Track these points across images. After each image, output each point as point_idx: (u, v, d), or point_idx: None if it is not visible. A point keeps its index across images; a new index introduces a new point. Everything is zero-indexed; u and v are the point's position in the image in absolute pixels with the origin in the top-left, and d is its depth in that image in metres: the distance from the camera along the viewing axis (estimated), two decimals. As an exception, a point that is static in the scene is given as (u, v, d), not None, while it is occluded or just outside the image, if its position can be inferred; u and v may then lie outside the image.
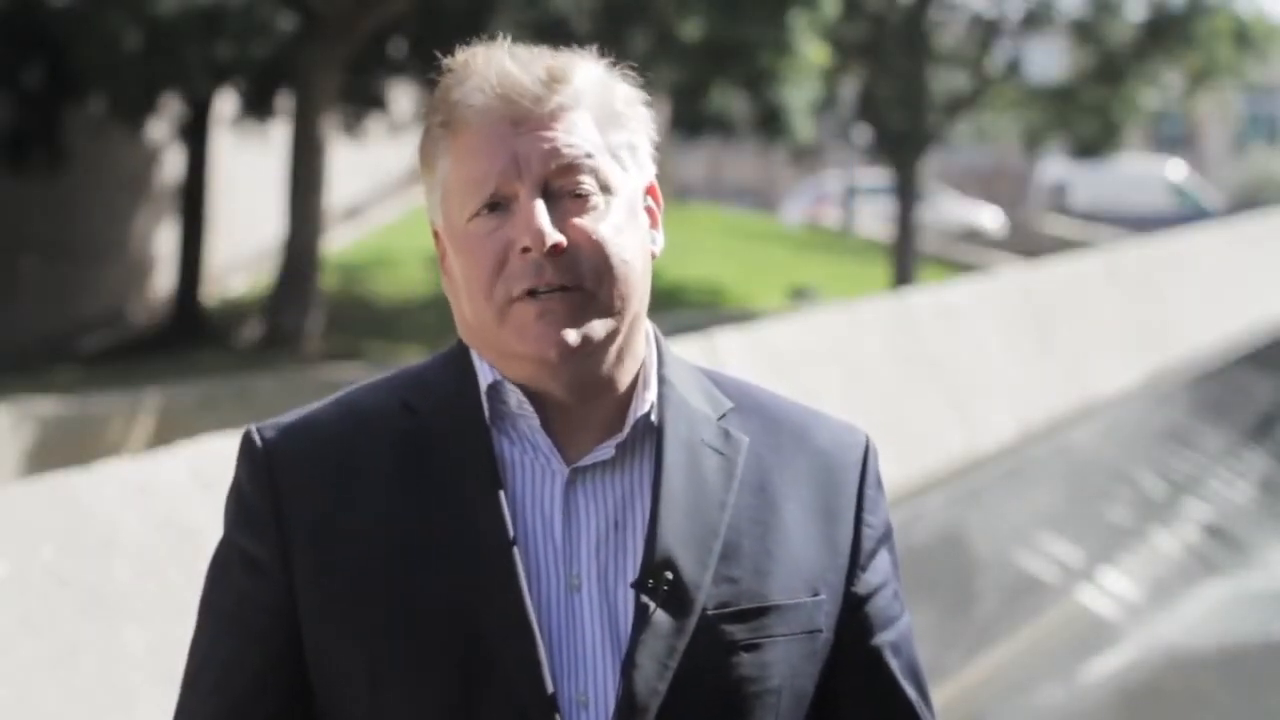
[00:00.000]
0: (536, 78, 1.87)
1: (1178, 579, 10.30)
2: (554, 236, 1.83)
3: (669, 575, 1.84)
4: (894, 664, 1.96)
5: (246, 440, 1.92)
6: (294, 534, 1.88)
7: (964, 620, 8.29)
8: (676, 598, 1.84)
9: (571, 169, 1.86)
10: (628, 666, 1.83)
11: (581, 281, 1.84)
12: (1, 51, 19.79)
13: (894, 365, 8.06)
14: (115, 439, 14.79)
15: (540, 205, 1.84)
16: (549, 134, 1.86)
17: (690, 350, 6.26)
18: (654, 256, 1.93)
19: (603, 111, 1.89)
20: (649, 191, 1.94)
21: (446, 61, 1.91)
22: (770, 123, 23.34)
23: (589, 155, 1.87)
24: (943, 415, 8.15)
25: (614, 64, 1.94)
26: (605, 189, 1.87)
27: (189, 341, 20.80)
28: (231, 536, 1.92)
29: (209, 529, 3.81)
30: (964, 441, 8.19)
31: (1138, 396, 11.01)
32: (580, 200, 1.86)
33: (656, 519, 1.86)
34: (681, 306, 22.64)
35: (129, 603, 3.81)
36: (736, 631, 1.86)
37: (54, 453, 13.45)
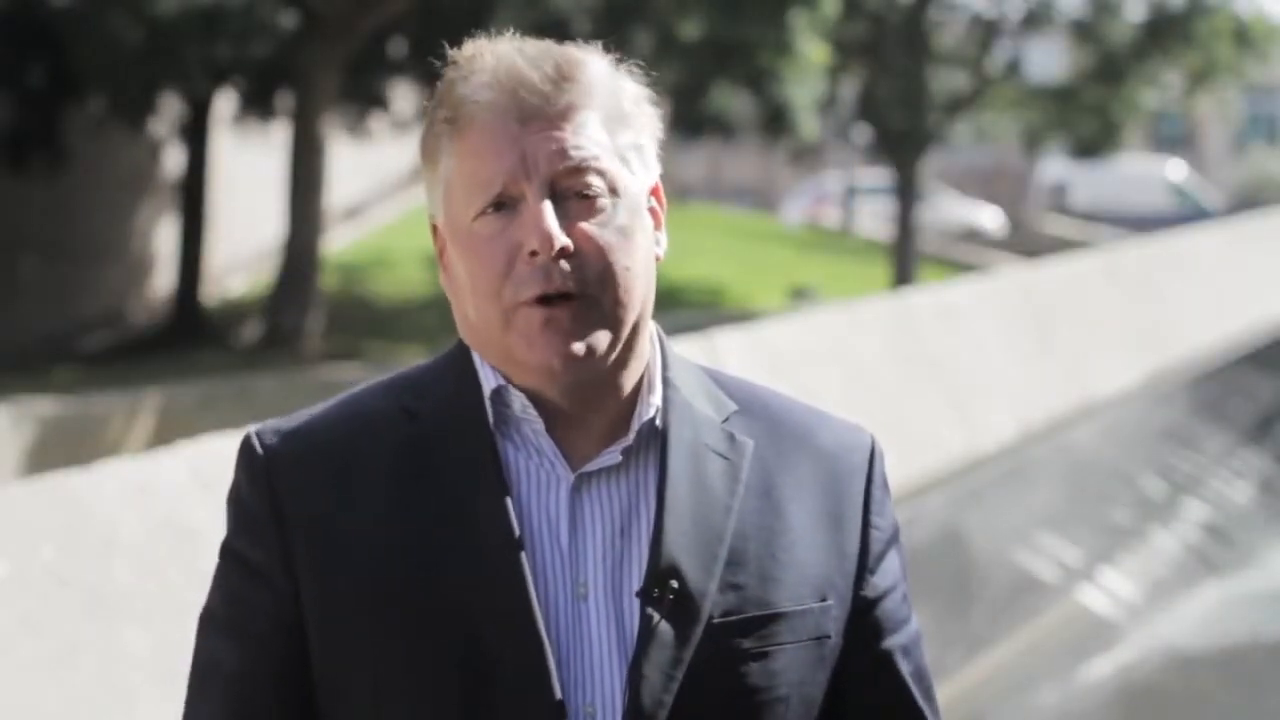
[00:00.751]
0: (545, 75, 1.83)
1: (1178, 579, 10.28)
2: (562, 240, 1.80)
3: (674, 584, 1.82)
4: (904, 667, 1.93)
5: (245, 444, 1.91)
6: (294, 536, 1.86)
7: (964, 620, 8.28)
8: (682, 606, 1.81)
9: (579, 170, 1.82)
10: (634, 677, 1.80)
11: (586, 288, 1.81)
12: (2, 51, 19.80)
13: (894, 365, 8.06)
14: (115, 439, 14.78)
15: (548, 207, 1.81)
16: (557, 134, 1.82)
17: (690, 350, 6.24)
18: (658, 259, 1.90)
19: (611, 111, 1.86)
20: (653, 192, 1.91)
21: (452, 54, 1.88)
22: (775, 121, 23.32)
23: (597, 157, 1.83)
24: (943, 415, 8.14)
25: (619, 61, 1.90)
26: (612, 191, 1.84)
27: (189, 341, 20.80)
28: (231, 542, 1.90)
29: (209, 529, 3.81)
30: (964, 441, 8.18)
31: (1138, 396, 11.00)
32: (587, 202, 1.83)
33: (661, 527, 1.83)
34: (681, 306, 22.62)
35: (129, 603, 3.81)
36: (743, 640, 1.83)
37: (54, 453, 13.44)
